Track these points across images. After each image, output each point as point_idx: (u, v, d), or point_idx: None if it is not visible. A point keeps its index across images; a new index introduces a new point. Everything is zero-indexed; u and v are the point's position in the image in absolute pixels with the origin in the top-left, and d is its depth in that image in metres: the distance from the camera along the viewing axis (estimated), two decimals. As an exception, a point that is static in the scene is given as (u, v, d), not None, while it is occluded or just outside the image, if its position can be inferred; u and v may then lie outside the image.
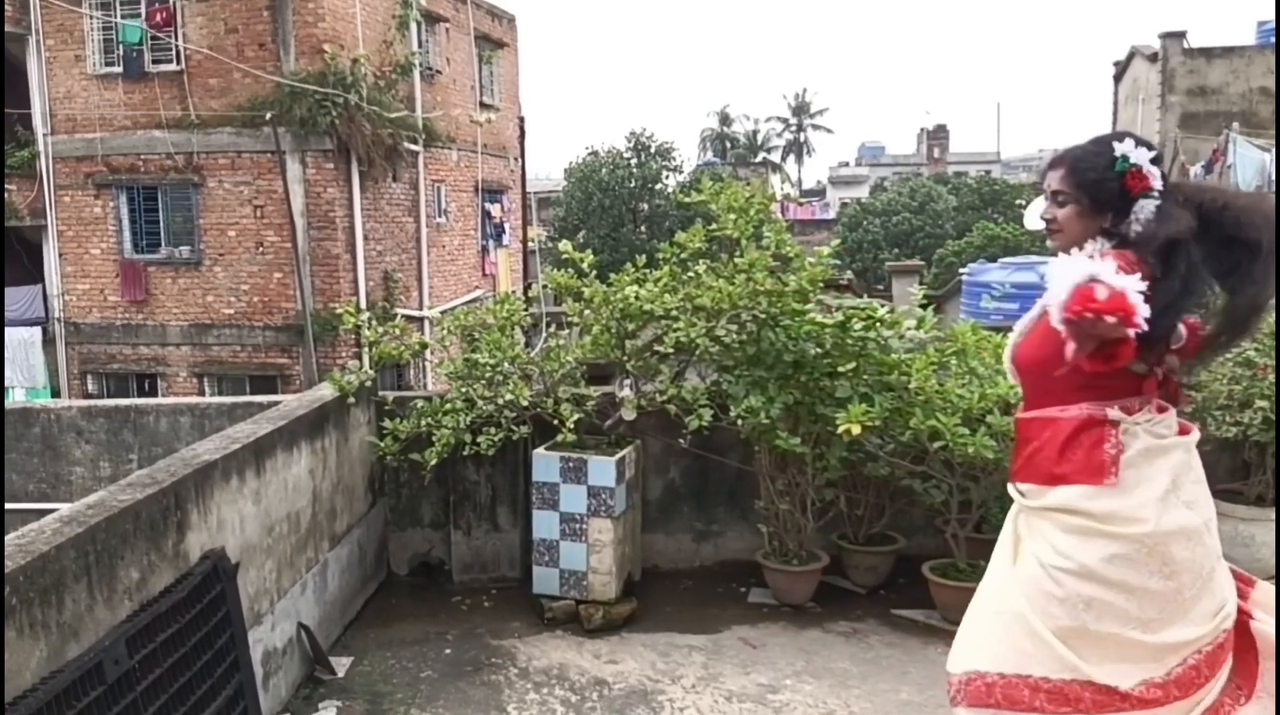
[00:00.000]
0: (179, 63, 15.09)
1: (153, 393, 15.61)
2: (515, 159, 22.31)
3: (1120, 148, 2.47)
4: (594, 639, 5.16)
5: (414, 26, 16.84)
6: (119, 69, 15.34)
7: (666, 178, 38.67)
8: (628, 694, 4.54)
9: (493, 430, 5.45)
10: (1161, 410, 2.45)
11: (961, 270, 18.87)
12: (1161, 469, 2.40)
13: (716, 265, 5.56)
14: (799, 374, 5.25)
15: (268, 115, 14.41)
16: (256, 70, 14.53)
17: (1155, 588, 2.34)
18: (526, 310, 6.23)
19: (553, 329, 7.06)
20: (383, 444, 5.67)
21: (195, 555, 3.63)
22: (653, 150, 38.72)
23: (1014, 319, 2.70)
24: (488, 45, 20.38)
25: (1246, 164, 15.89)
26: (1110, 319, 1.94)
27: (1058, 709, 2.35)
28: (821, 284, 5.48)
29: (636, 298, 5.38)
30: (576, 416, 5.39)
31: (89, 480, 7.04)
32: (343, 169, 15.00)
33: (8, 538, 2.87)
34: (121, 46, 15.26)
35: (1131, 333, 2.06)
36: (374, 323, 6.25)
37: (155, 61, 15.25)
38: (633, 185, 37.96)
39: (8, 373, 15.37)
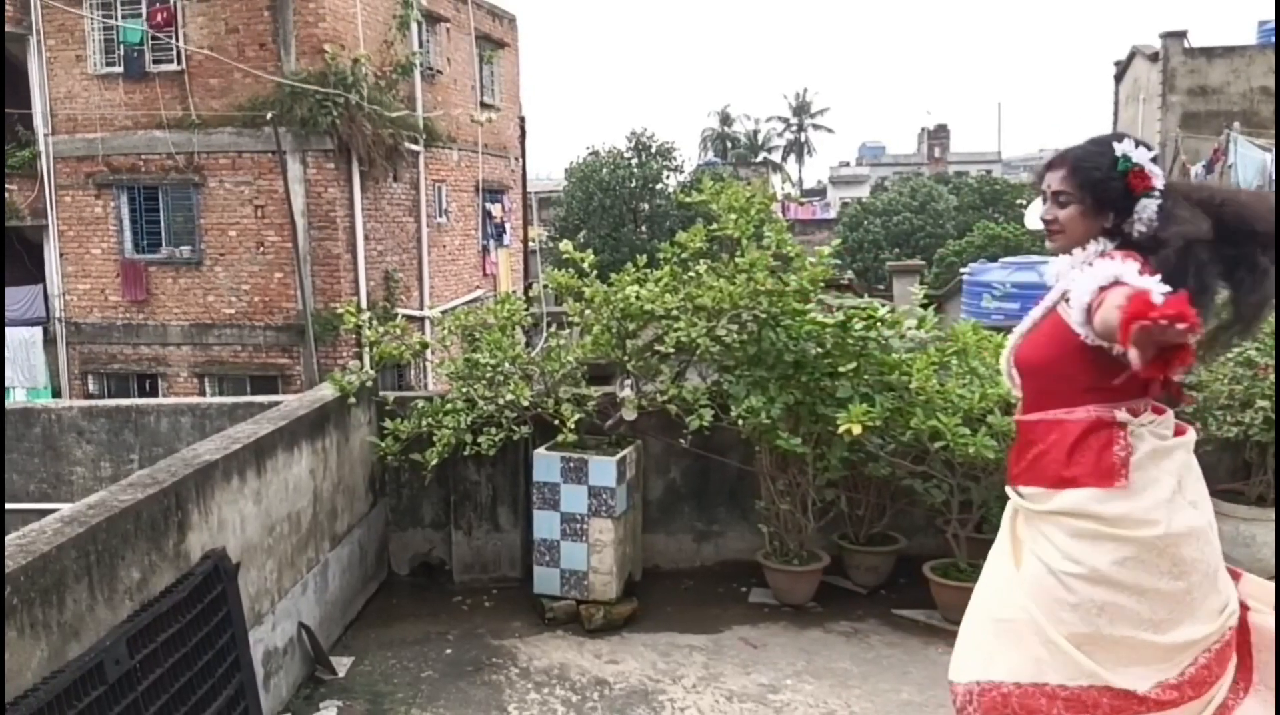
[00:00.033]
0: (180, 63, 15.09)
1: (153, 393, 15.61)
2: (516, 159, 22.31)
3: (1121, 147, 2.47)
4: (595, 639, 5.16)
5: (414, 26, 16.84)
6: (120, 69, 15.35)
7: (667, 178, 38.67)
8: (628, 694, 4.54)
9: (493, 430, 5.45)
10: (1159, 411, 2.46)
11: (962, 270, 18.87)
12: (1167, 470, 2.39)
13: (717, 265, 5.56)
14: (800, 374, 5.25)
15: (268, 115, 14.41)
16: (257, 70, 14.53)
17: (1166, 588, 2.33)
18: (527, 310, 6.23)
19: (553, 329, 7.06)
20: (383, 444, 5.67)
21: (196, 555, 3.63)
22: (653, 150, 38.72)
23: (1015, 319, 2.69)
24: (488, 45, 20.39)
25: (1247, 164, 15.87)
26: (1180, 326, 1.87)
27: None
28: (822, 284, 5.48)
29: (637, 298, 5.38)
30: (577, 416, 5.39)
31: (90, 480, 7.04)
32: (343, 169, 15.00)
33: (8, 538, 2.87)
34: (122, 47, 15.27)
35: (1192, 338, 1.97)
36: (375, 323, 6.25)
37: (156, 62, 15.25)
38: (633, 185, 37.95)
39: (9, 373, 15.37)
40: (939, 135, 65.43)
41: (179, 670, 3.19)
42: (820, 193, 64.78)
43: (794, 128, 69.75)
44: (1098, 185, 2.45)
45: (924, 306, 5.81)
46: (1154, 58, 22.75)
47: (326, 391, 5.56)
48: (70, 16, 15.30)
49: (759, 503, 5.64)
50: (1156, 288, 2.08)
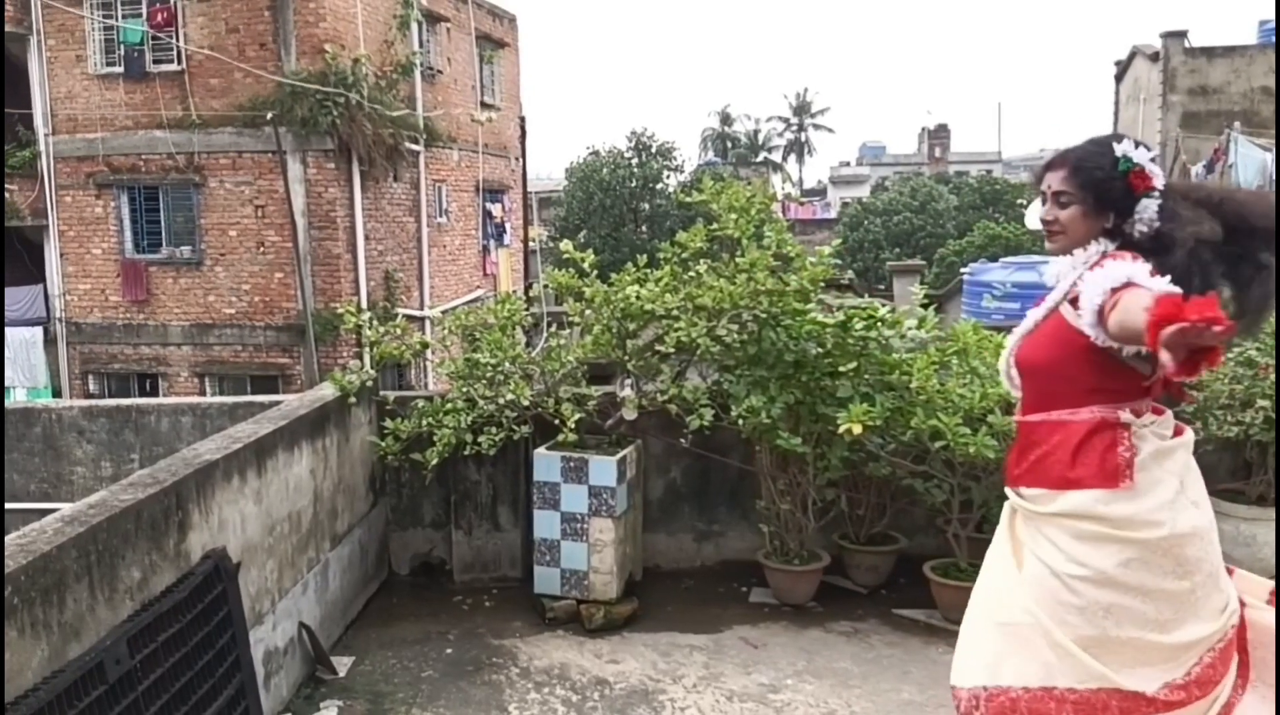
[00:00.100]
0: (180, 63, 15.09)
1: (154, 392, 15.61)
2: (516, 159, 22.31)
3: (1121, 148, 2.47)
4: (595, 639, 5.16)
5: (415, 26, 16.84)
6: (120, 69, 15.35)
7: (667, 177, 38.68)
8: (629, 694, 4.54)
9: (494, 430, 5.45)
10: (1158, 412, 2.46)
11: (963, 270, 18.86)
12: (1170, 471, 2.39)
13: (717, 265, 5.56)
14: (800, 374, 5.25)
15: (269, 115, 14.41)
16: (258, 70, 14.52)
17: (1170, 588, 2.33)
18: (527, 310, 6.24)
19: (554, 329, 7.06)
20: (384, 444, 5.67)
21: (197, 555, 3.63)
22: (654, 150, 38.73)
23: (1016, 319, 2.68)
24: (489, 45, 20.38)
25: (1248, 163, 15.86)
26: (1217, 328, 1.84)
27: None
28: (822, 283, 5.48)
29: (637, 297, 5.38)
30: (578, 416, 5.39)
31: (90, 480, 7.04)
32: (344, 169, 15.00)
33: (9, 537, 2.87)
34: (122, 46, 15.27)
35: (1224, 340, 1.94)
36: (375, 322, 6.25)
37: (156, 61, 15.25)
38: (634, 185, 37.96)
39: (9, 372, 15.38)
40: (939, 135, 65.41)
41: (179, 670, 3.19)
42: (820, 192, 64.76)
43: (794, 127, 69.71)
44: (1100, 185, 2.44)
45: (924, 306, 5.81)
46: (1154, 57, 22.74)
47: (327, 391, 5.57)
48: (70, 16, 15.29)
49: (759, 502, 5.64)
50: (1168, 288, 2.08)
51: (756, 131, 68.26)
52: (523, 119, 22.66)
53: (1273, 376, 5.21)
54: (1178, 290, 2.07)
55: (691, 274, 5.53)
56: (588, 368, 5.82)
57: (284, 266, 15.14)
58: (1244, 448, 5.48)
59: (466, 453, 5.48)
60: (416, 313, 16.27)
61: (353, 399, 5.55)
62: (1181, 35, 22.42)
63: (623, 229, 37.47)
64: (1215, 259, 2.36)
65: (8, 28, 15.07)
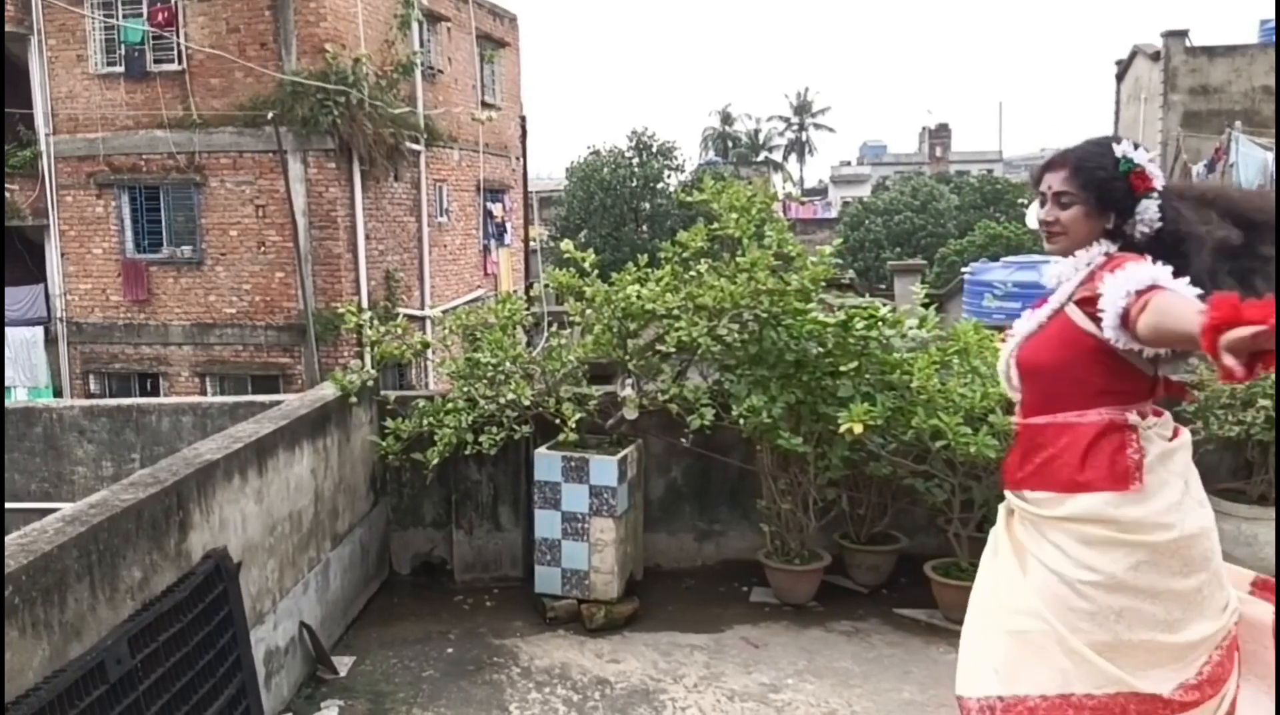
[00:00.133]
0: (180, 62, 15.09)
1: (155, 392, 15.61)
2: (517, 158, 22.30)
3: (1120, 148, 2.46)
4: (596, 638, 5.16)
5: (415, 26, 16.83)
6: (121, 69, 15.34)
7: (668, 177, 38.68)
8: (630, 693, 4.54)
9: (494, 429, 5.45)
10: (1158, 414, 2.45)
11: (964, 269, 18.84)
12: (1175, 472, 2.39)
13: (718, 264, 5.56)
14: (801, 373, 5.25)
15: (269, 115, 14.41)
16: (252, 66, 14.51)
17: (1178, 588, 2.33)
18: (528, 310, 6.24)
19: (554, 328, 7.05)
20: (385, 443, 5.67)
21: (197, 554, 3.63)
22: (654, 149, 38.73)
23: (1017, 318, 2.67)
24: (489, 44, 20.38)
25: (1249, 163, 15.85)
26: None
27: None
28: (823, 283, 5.48)
29: (638, 297, 5.38)
30: (578, 416, 5.39)
31: (91, 480, 7.04)
32: (344, 168, 14.99)
33: (10, 537, 2.87)
34: (123, 46, 15.26)
35: None
36: (376, 322, 6.25)
37: (157, 61, 15.24)
38: (634, 184, 37.96)
39: (10, 372, 15.39)
40: (940, 134, 65.38)
41: (180, 670, 3.19)
42: (821, 192, 64.75)
43: (795, 127, 69.66)
44: (1101, 186, 2.43)
45: (925, 306, 5.80)
46: (1155, 57, 22.73)
47: (328, 391, 5.57)
48: (71, 16, 15.29)
49: (760, 502, 5.64)
50: (1190, 290, 2.08)
51: (757, 131, 68.24)
52: (523, 118, 22.66)
53: (1273, 375, 5.21)
54: (1198, 291, 2.08)
55: (692, 273, 5.53)
56: (588, 367, 5.82)
57: (285, 266, 15.14)
58: (1245, 447, 5.48)
59: (467, 452, 5.48)
60: (417, 312, 16.27)
61: (353, 399, 5.55)
62: (1182, 35, 22.41)
63: (623, 228, 37.47)
64: (1221, 256, 2.36)
65: (8, 27, 15.07)
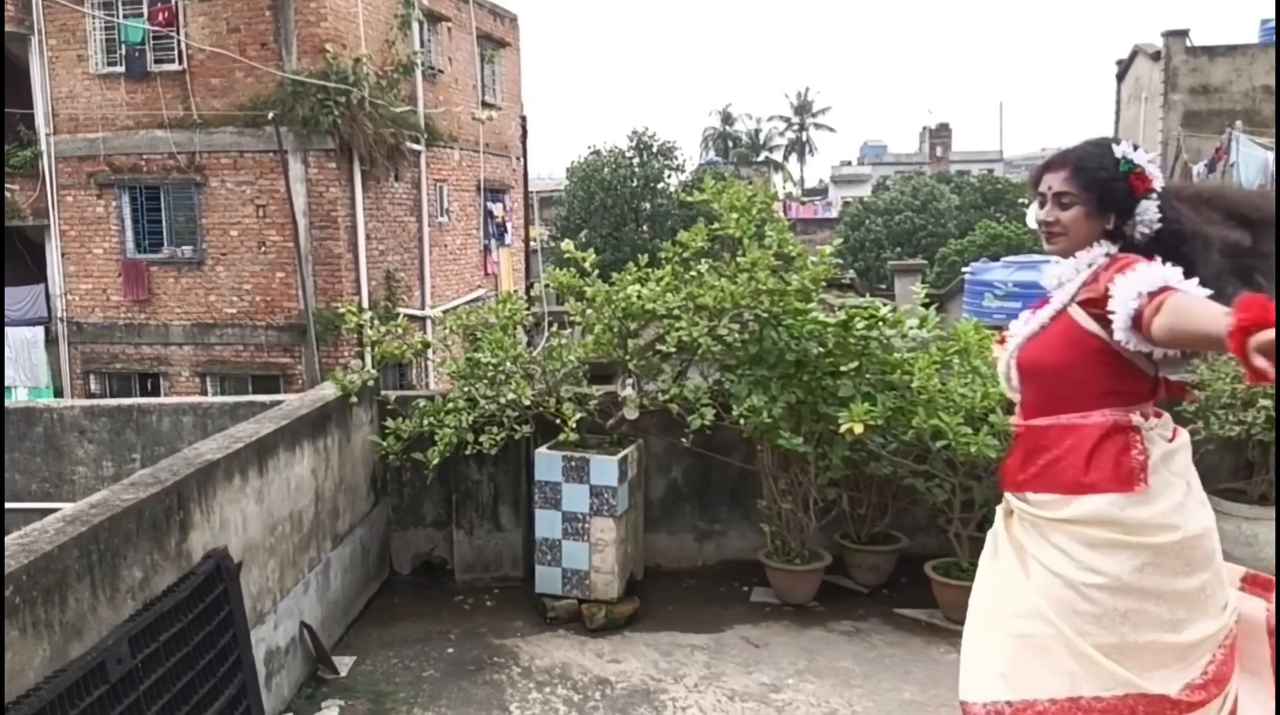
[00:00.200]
0: (181, 62, 15.09)
1: (155, 392, 15.61)
2: (517, 158, 22.31)
3: (1120, 149, 2.46)
4: (596, 638, 5.16)
5: (416, 26, 16.83)
6: (121, 69, 15.35)
7: (669, 177, 38.65)
8: (630, 693, 4.54)
9: (495, 429, 5.45)
10: (1158, 415, 2.45)
11: (964, 269, 18.83)
12: (1177, 472, 2.40)
13: (719, 264, 5.56)
14: (801, 373, 5.25)
15: (270, 115, 14.41)
16: (254, 64, 14.51)
17: (1182, 588, 2.33)
18: (528, 309, 6.24)
19: (555, 328, 7.05)
20: (385, 443, 5.67)
21: (198, 554, 3.63)
22: (655, 149, 38.70)
23: (1017, 318, 2.66)
24: (490, 44, 20.38)
25: (1250, 163, 15.84)
26: None
27: None
28: (824, 283, 5.48)
29: (639, 297, 5.38)
30: (579, 416, 5.39)
31: (92, 480, 7.04)
32: (345, 168, 15.00)
33: (11, 537, 2.87)
34: (124, 46, 15.26)
35: None
36: (376, 322, 6.25)
37: (157, 61, 15.24)
38: (635, 184, 37.94)
39: (11, 372, 15.39)
40: (941, 134, 65.35)
41: (181, 670, 3.19)
42: (822, 192, 64.74)
43: (795, 127, 69.64)
44: (1103, 186, 2.42)
45: (926, 305, 5.80)
46: (1156, 56, 22.73)
47: (328, 391, 5.57)
48: (72, 16, 15.30)
49: (761, 502, 5.64)
50: (1200, 291, 2.08)
51: (758, 131, 68.23)
52: (524, 118, 22.66)
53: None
54: (1208, 292, 2.08)
55: (693, 273, 5.53)
56: (589, 367, 5.82)
57: (285, 266, 15.15)
58: (1246, 447, 5.48)
59: (468, 452, 5.48)
60: (418, 312, 16.27)
61: (354, 399, 5.55)
62: (1183, 34, 22.41)
63: (624, 228, 37.45)
64: (1231, 256, 2.36)
65: (9, 27, 15.07)
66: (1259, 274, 2.35)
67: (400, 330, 6.18)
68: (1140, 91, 24.38)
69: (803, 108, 69.58)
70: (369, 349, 7.62)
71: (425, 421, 5.58)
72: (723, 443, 5.72)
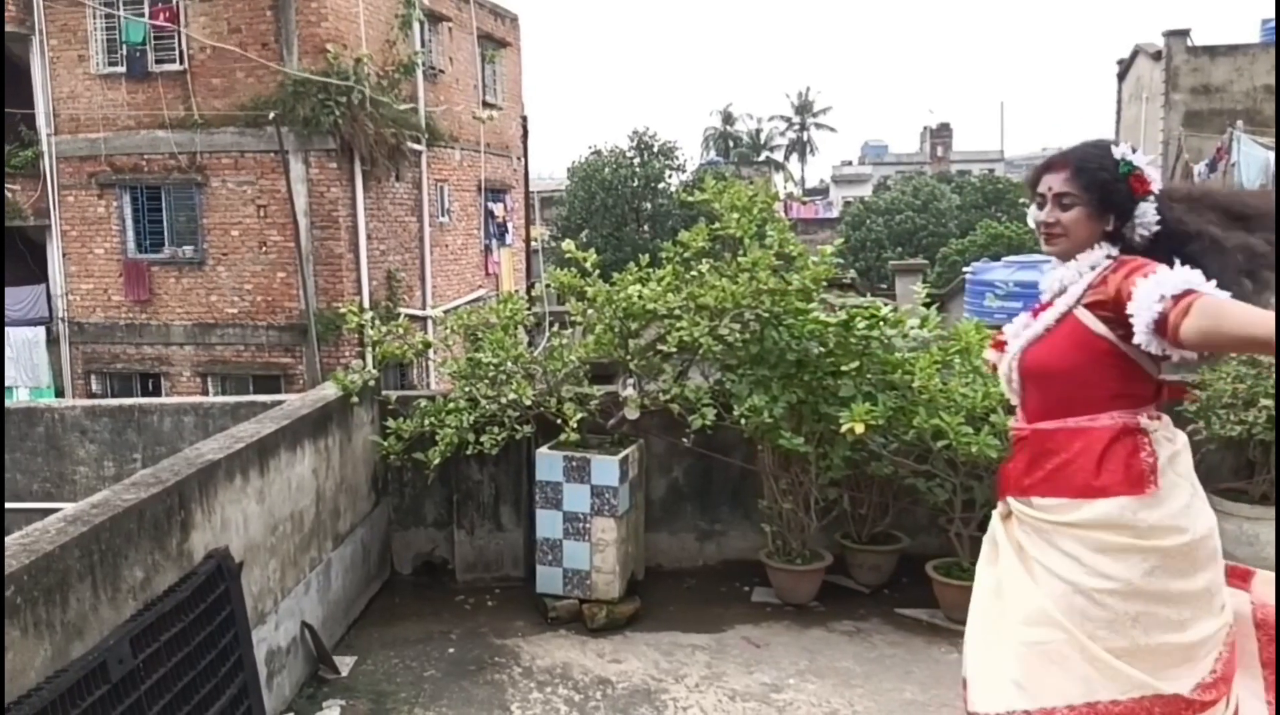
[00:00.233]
0: (182, 63, 15.10)
1: (156, 392, 15.62)
2: (518, 158, 22.31)
3: (1119, 151, 2.46)
4: (597, 638, 5.16)
5: (417, 26, 16.83)
6: (122, 69, 15.35)
7: (669, 177, 38.62)
8: (631, 693, 4.54)
9: (496, 429, 5.45)
10: (1159, 417, 2.45)
11: (965, 269, 18.81)
12: (1182, 473, 2.40)
13: (720, 264, 5.56)
14: (802, 373, 5.25)
15: (271, 115, 14.42)
16: (262, 63, 14.52)
17: (1189, 589, 2.33)
18: (529, 309, 6.24)
19: (556, 328, 7.05)
20: (386, 443, 5.67)
21: (199, 554, 3.63)
22: (656, 149, 38.68)
23: (1018, 317, 2.65)
24: (490, 44, 20.38)
25: (1250, 162, 15.84)
26: None
27: None
28: (825, 283, 5.48)
29: (639, 297, 5.38)
30: (580, 416, 5.39)
31: (93, 480, 7.05)
32: (346, 168, 15.00)
33: (12, 537, 2.88)
34: (125, 46, 15.27)
35: None
36: (377, 322, 6.25)
37: (158, 61, 15.25)
38: (636, 184, 37.92)
39: (12, 372, 15.40)
40: (942, 134, 65.32)
41: (182, 670, 3.19)
42: (823, 192, 64.72)
43: (796, 127, 69.62)
44: (1104, 187, 2.42)
45: (926, 305, 5.80)
46: (1157, 56, 22.73)
47: (329, 391, 5.57)
48: (73, 16, 15.31)
49: (761, 502, 5.64)
50: (1221, 293, 2.08)
51: (758, 131, 68.22)
52: (525, 118, 22.66)
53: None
54: (1226, 294, 2.08)
55: (694, 273, 5.53)
56: (590, 367, 5.82)
57: (286, 266, 15.15)
58: (1247, 447, 5.48)
59: (469, 452, 5.48)
60: (419, 312, 16.28)
61: (355, 399, 5.55)
62: (1184, 34, 22.41)
63: (625, 228, 37.44)
64: (1227, 254, 2.36)
65: (9, 27, 15.08)
66: (1265, 272, 2.35)
67: (401, 330, 6.18)
68: (1141, 91, 24.38)
69: (803, 108, 69.57)
70: (370, 349, 7.62)
71: (426, 421, 5.58)
72: (724, 443, 5.72)
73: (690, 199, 5.93)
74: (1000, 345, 2.65)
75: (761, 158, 63.51)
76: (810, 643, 5.03)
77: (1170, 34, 22.37)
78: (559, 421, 5.42)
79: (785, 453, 5.26)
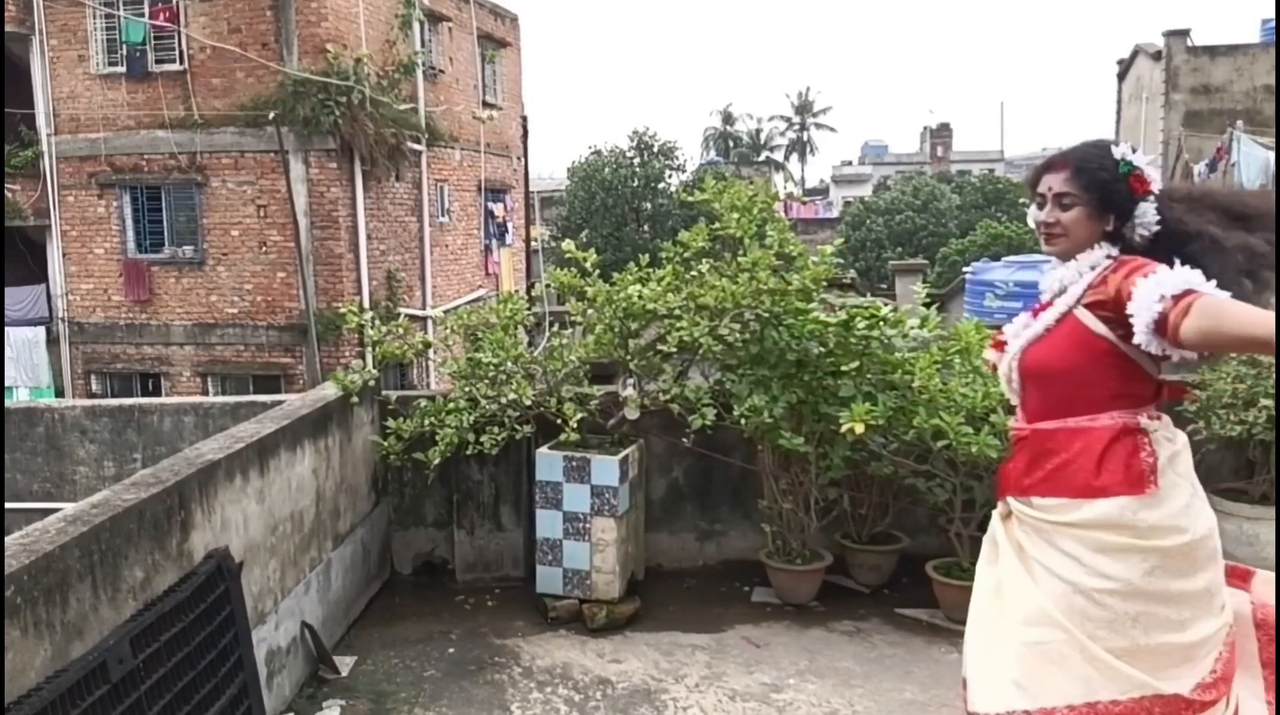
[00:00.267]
0: (182, 63, 15.10)
1: (156, 392, 15.62)
2: (518, 158, 22.31)
3: (1119, 151, 2.46)
4: (597, 638, 5.16)
5: (417, 26, 16.83)
6: (122, 69, 15.35)
7: (669, 177, 38.63)
8: (631, 693, 4.54)
9: (496, 429, 5.45)
10: (1158, 417, 2.45)
11: (965, 269, 18.82)
12: (1182, 473, 2.40)
13: (720, 264, 5.56)
14: (802, 373, 5.25)
15: (271, 115, 14.42)
16: (263, 62, 14.52)
17: (1190, 589, 2.33)
18: (529, 309, 6.24)
19: (556, 328, 7.05)
20: (386, 443, 5.67)
21: (199, 554, 3.63)
22: (656, 149, 38.68)
23: (1018, 317, 2.65)
24: (490, 44, 20.38)
25: (1251, 162, 15.84)
26: None
27: None
28: (825, 283, 5.48)
29: (639, 297, 5.38)
30: (580, 416, 5.39)
31: (93, 480, 7.05)
32: (346, 168, 15.00)
33: (12, 537, 2.88)
34: (125, 46, 15.27)
35: None
36: (377, 322, 6.25)
37: (158, 61, 15.25)
38: (636, 184, 37.92)
39: (12, 372, 15.40)
40: (942, 134, 65.31)
41: (182, 670, 3.20)
42: (823, 192, 64.72)
43: (796, 127, 69.61)
44: (1105, 187, 2.42)
45: (926, 305, 5.80)
46: (1157, 56, 22.73)
47: (329, 391, 5.57)
48: (73, 16, 15.31)
49: (761, 502, 5.64)
50: (1221, 293, 2.08)
51: (758, 131, 68.22)
52: (525, 118, 22.66)
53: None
54: (1227, 294, 2.08)
55: (694, 273, 5.53)
56: (590, 367, 5.82)
57: (286, 266, 15.15)
58: (1247, 447, 5.48)
59: (469, 452, 5.48)
60: (419, 312, 16.28)
61: (355, 399, 5.55)
62: (1184, 34, 22.41)
63: (625, 228, 37.44)
64: (1227, 254, 2.36)
65: (9, 27, 15.08)
66: (1265, 272, 2.35)
67: (401, 330, 6.18)
68: (1141, 91, 24.38)
69: (803, 107, 69.56)
70: (370, 349, 7.62)
71: (426, 421, 5.58)
72: (724, 443, 5.72)
73: (690, 199, 5.93)
74: (1000, 345, 2.65)
75: (761, 158, 63.51)
76: (810, 643, 5.03)
77: (1170, 34, 22.37)
78: (559, 421, 5.42)
79: (785, 453, 5.26)
